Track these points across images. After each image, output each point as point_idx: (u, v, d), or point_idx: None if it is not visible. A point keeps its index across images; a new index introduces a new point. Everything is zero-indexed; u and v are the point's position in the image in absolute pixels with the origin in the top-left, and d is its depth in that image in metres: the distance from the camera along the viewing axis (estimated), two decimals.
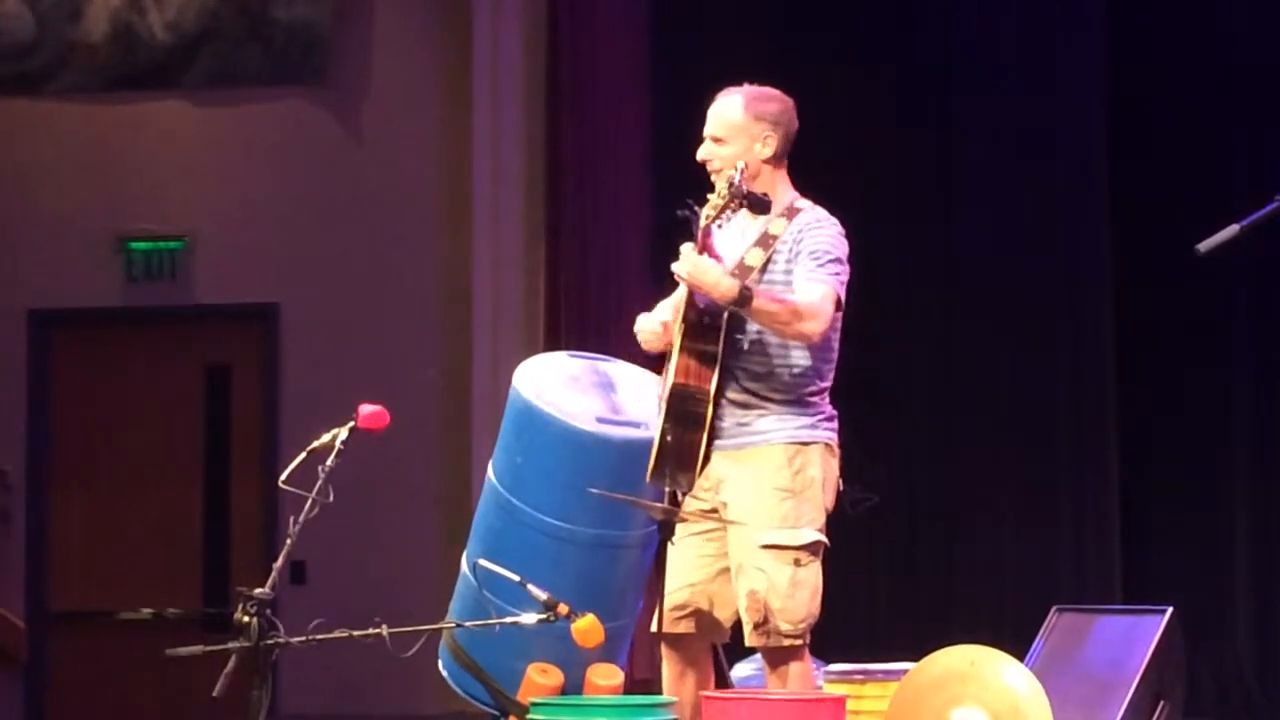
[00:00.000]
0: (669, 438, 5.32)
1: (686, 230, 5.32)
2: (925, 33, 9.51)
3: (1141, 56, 9.27)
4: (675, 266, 5.32)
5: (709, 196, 5.34)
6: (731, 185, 5.27)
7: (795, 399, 5.37)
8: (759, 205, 5.35)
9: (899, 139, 9.42)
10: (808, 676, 5.36)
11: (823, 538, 5.36)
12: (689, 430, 5.32)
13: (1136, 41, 9.28)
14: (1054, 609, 6.58)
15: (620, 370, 6.20)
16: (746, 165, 5.34)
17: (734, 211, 5.33)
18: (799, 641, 5.30)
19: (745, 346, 5.37)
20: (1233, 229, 4.75)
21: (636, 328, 5.57)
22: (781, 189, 5.51)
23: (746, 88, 5.53)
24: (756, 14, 9.43)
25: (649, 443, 5.45)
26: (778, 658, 5.31)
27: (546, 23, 9.69)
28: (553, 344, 9.05)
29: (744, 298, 5.22)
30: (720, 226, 5.35)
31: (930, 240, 9.38)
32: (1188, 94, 9.16)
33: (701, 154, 5.49)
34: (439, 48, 9.95)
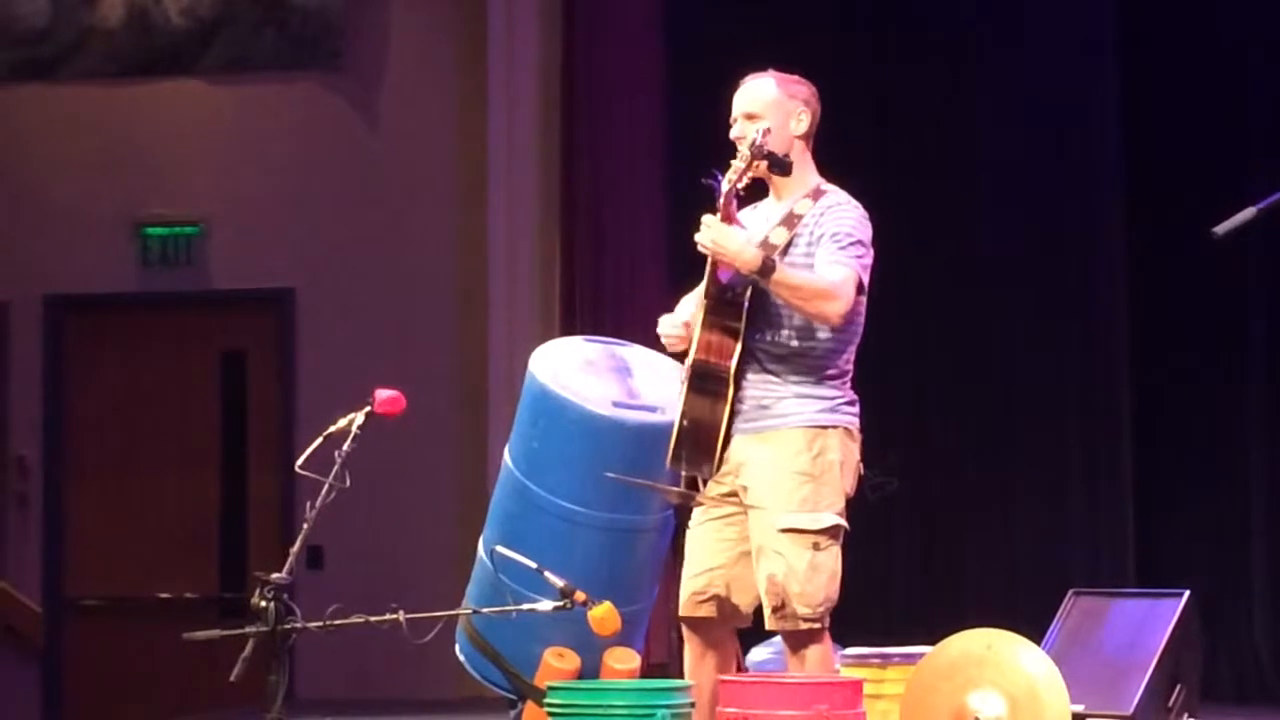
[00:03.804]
0: (687, 421, 5.30)
1: (710, 201, 5.27)
2: (935, 31, 9.48)
3: (1157, 38, 9.24)
4: (698, 236, 5.27)
5: (732, 162, 5.32)
6: (753, 145, 5.24)
7: (817, 381, 5.34)
8: (779, 165, 5.31)
9: (909, 133, 9.41)
10: (828, 660, 5.34)
11: (842, 522, 5.34)
12: (709, 409, 5.29)
13: (1150, 25, 9.25)
14: (1071, 592, 6.58)
15: (637, 354, 6.20)
16: (771, 130, 5.31)
17: (754, 173, 5.30)
18: (817, 625, 5.28)
19: (768, 327, 5.33)
20: (1249, 212, 4.74)
21: (660, 330, 5.50)
22: (808, 172, 5.48)
23: (772, 71, 5.52)
24: None
25: (665, 427, 5.43)
26: (797, 641, 5.30)
27: (561, 3, 9.68)
28: (568, 328, 9.04)
29: (766, 268, 5.17)
30: (742, 193, 5.31)
31: (943, 226, 9.35)
32: (1204, 75, 9.12)
33: (735, 131, 5.43)
34: (454, 31, 9.94)
